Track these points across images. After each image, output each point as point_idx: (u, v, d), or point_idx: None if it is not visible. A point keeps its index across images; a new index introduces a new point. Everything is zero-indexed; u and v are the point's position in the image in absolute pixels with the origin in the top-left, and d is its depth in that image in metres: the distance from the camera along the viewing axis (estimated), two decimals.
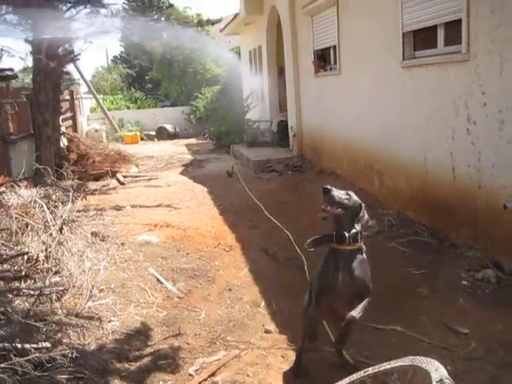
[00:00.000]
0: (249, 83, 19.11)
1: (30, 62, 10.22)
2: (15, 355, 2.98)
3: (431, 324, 4.34)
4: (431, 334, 4.17)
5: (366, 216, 3.52)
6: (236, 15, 17.45)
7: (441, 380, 1.84)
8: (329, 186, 3.37)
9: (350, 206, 3.40)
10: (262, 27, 16.02)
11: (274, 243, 6.79)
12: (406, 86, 6.98)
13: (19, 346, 3.03)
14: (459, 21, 5.59)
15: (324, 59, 10.90)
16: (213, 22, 15.57)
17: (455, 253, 5.66)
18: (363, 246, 3.47)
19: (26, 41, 9.96)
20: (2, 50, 9.26)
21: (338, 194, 3.40)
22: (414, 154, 6.82)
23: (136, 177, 12.75)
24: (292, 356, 4.02)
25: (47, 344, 3.30)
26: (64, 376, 3.05)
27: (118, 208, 8.82)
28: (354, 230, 3.38)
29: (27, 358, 2.97)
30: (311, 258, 5.99)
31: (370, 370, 2.38)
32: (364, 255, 3.46)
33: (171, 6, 14.21)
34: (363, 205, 3.48)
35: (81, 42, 11.93)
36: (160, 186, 11.14)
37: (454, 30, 5.80)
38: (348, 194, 3.44)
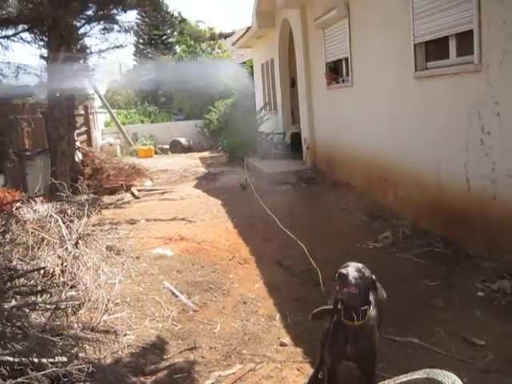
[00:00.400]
0: (261, 96, 19.18)
1: (45, 79, 10.32)
2: (32, 369, 3.00)
3: (447, 336, 4.31)
4: (447, 346, 4.14)
5: (380, 291, 3.37)
6: (248, 28, 17.55)
7: None
8: (344, 271, 3.14)
9: (363, 283, 3.20)
10: (274, 40, 16.10)
11: (288, 256, 6.78)
12: (419, 97, 6.98)
13: (36, 360, 3.05)
14: (471, 31, 5.60)
15: (336, 71, 10.93)
16: (225, 36, 15.68)
17: (470, 263, 5.62)
18: (372, 314, 3.28)
19: (41, 57, 10.09)
20: (18, 67, 9.38)
21: (353, 275, 3.17)
22: (428, 164, 6.80)
23: (150, 190, 12.82)
24: (308, 369, 4.00)
25: (63, 358, 3.32)
26: None
27: (132, 222, 8.87)
28: (364, 307, 3.20)
29: (44, 372, 2.99)
30: (326, 271, 5.98)
31: (386, 383, 2.38)
32: (372, 322, 3.27)
33: (184, 20, 14.30)
34: (374, 278, 3.30)
35: (95, 58, 12.06)
36: (174, 200, 11.19)
37: (465, 40, 5.80)
38: (361, 271, 3.22)
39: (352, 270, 3.18)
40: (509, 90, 5.15)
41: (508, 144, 5.21)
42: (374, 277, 3.28)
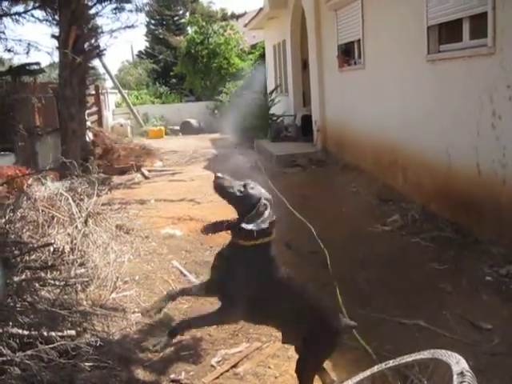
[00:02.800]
0: (273, 78, 19.10)
1: (56, 58, 10.33)
2: (41, 343, 3.04)
3: (454, 319, 4.32)
4: (454, 329, 4.16)
5: (263, 214, 3.05)
6: (260, 10, 17.43)
7: (461, 373, 1.85)
8: (220, 175, 3.06)
9: (237, 198, 3.07)
10: (286, 21, 15.99)
11: (296, 237, 6.79)
12: (431, 80, 6.93)
13: (45, 333, 3.09)
14: (485, 14, 5.53)
15: (348, 54, 10.86)
16: (237, 16, 15.58)
17: (479, 248, 5.61)
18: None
19: (53, 36, 10.08)
20: (29, 44, 9.38)
21: (229, 184, 3.05)
22: (438, 148, 6.77)
23: (160, 171, 12.85)
24: None
25: (72, 332, 3.36)
26: (88, 364, 3.11)
27: (142, 202, 8.91)
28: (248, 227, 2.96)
29: (52, 345, 3.03)
30: (335, 252, 6.01)
31: (391, 363, 2.39)
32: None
33: (196, 0, 14.22)
34: (263, 202, 3.06)
35: (106, 37, 12.04)
36: (184, 181, 11.22)
37: (479, 23, 5.74)
38: (244, 186, 3.07)
39: (234, 181, 3.10)
40: None
41: None
42: (264, 201, 3.05)
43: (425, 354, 2.20)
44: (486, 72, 5.66)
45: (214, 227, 3.34)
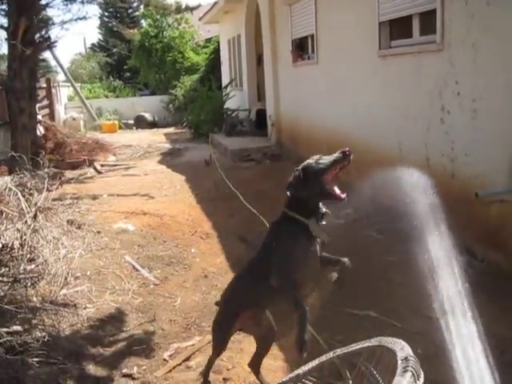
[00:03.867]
0: (228, 72, 19.07)
1: (5, 49, 10.09)
2: None
3: (405, 310, 4.40)
4: (404, 320, 4.23)
5: None
6: (215, 3, 17.37)
7: (406, 358, 1.89)
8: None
9: None
10: (241, 16, 15.98)
11: (250, 231, 6.80)
12: (382, 75, 7.04)
13: None
14: (434, 10, 5.64)
15: (302, 48, 10.92)
16: (191, 9, 15.48)
17: None
18: None
19: (1, 27, 9.83)
20: None
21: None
22: (390, 143, 6.88)
23: (114, 166, 12.70)
24: None
25: (19, 328, 3.30)
26: (37, 359, 3.05)
27: (94, 197, 8.79)
28: None
29: None
30: None
31: (339, 351, 2.43)
32: None
33: None
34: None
35: (57, 29, 11.80)
36: (138, 175, 11.13)
37: (429, 19, 5.86)
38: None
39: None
40: (469, 69, 5.22)
41: (466, 123, 5.30)
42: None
43: (372, 342, 2.24)
44: (436, 68, 5.78)
45: None
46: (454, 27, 5.38)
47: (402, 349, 1.94)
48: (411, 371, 1.79)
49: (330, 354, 2.46)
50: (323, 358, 2.46)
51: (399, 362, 1.87)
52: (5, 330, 3.10)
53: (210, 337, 4.13)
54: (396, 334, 3.86)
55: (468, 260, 5.07)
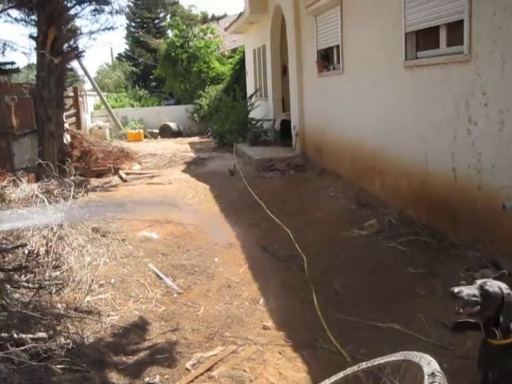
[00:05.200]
0: (253, 82, 19.12)
1: (34, 59, 10.24)
2: (12, 345, 3.00)
3: (429, 323, 4.35)
4: (428, 333, 4.18)
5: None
6: (241, 14, 17.46)
7: (432, 373, 1.86)
8: (456, 289, 2.78)
9: (486, 304, 2.78)
10: (266, 26, 16.03)
11: (274, 241, 6.81)
12: (408, 86, 6.99)
13: (16, 335, 3.05)
14: (461, 21, 5.60)
15: (327, 59, 10.90)
16: (217, 19, 15.59)
17: (455, 253, 5.66)
18: None
19: (31, 36, 9.99)
20: (5, 44, 9.28)
21: (469, 292, 2.78)
22: (416, 154, 6.82)
23: (138, 174, 12.78)
24: (289, 352, 4.04)
25: (43, 334, 3.32)
26: (60, 366, 3.07)
27: (119, 205, 8.85)
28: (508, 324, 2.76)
29: (23, 347, 2.99)
30: (311, 256, 6.03)
31: (364, 365, 2.40)
32: None
33: (176, 3, 14.22)
34: (506, 293, 2.80)
35: (85, 39, 11.96)
36: (162, 184, 11.18)
37: (456, 30, 5.81)
38: (482, 289, 2.80)
39: (469, 288, 2.81)
40: (497, 80, 5.17)
41: (494, 134, 5.24)
42: (506, 291, 2.80)
43: (397, 356, 2.21)
44: (463, 79, 5.73)
45: (462, 326, 3.13)
46: (482, 38, 5.32)
47: (429, 364, 1.91)
48: None
49: (354, 368, 2.43)
50: (347, 371, 2.43)
51: (426, 377, 1.84)
52: (30, 336, 3.13)
53: (232, 347, 4.13)
54: (420, 348, 3.83)
55: (495, 274, 5.00)
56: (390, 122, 7.64)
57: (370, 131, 8.40)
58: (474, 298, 2.75)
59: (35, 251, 5.14)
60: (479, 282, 2.84)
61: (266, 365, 3.86)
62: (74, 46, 11.54)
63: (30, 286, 4.24)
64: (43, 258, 5.10)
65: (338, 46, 9.99)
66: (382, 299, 4.87)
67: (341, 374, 2.50)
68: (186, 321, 4.63)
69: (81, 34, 11.82)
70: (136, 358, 3.93)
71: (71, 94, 16.71)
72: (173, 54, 25.51)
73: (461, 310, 2.77)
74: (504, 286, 2.83)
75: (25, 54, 10.13)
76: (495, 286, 2.81)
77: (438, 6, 6.07)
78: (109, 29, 12.10)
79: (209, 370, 3.79)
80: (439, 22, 6.15)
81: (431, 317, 4.43)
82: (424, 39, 6.73)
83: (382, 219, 7.07)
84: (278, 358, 3.98)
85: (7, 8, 9.90)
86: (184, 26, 25.04)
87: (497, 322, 2.75)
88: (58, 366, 3.05)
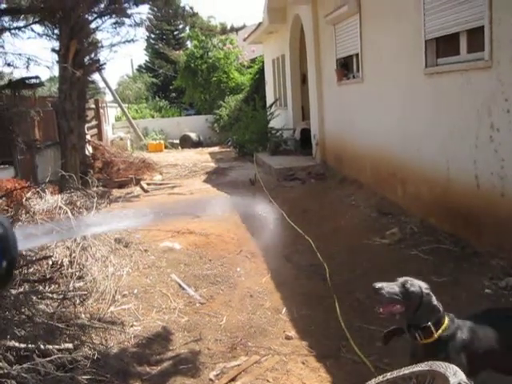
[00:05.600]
0: (272, 91, 19.17)
1: (56, 72, 10.40)
2: (38, 356, 3.03)
3: None
4: None
5: (431, 304, 2.89)
6: (259, 24, 17.53)
7: None
8: (378, 285, 2.83)
9: (407, 301, 2.84)
10: (285, 36, 16.08)
11: (296, 250, 6.80)
12: (429, 93, 6.96)
13: (42, 346, 3.09)
14: (482, 28, 5.57)
15: (347, 67, 10.90)
16: (236, 30, 15.66)
17: (478, 261, 5.61)
18: (447, 332, 2.86)
19: (53, 50, 10.14)
20: (29, 59, 9.43)
21: (390, 290, 2.83)
22: (437, 161, 6.79)
23: (160, 184, 12.86)
24: (312, 362, 4.02)
25: (69, 345, 3.35)
26: (85, 377, 3.10)
27: (141, 215, 8.90)
28: (426, 324, 2.82)
29: (49, 358, 3.02)
30: (333, 265, 6.01)
31: (389, 375, 2.38)
32: (448, 341, 2.83)
33: (195, 14, 14.32)
34: (425, 293, 2.87)
35: (106, 52, 12.13)
36: (183, 194, 11.23)
37: (476, 37, 5.78)
38: (403, 287, 2.86)
39: (390, 285, 2.86)
40: None
41: None
42: (425, 292, 2.86)
43: (422, 366, 2.19)
44: (484, 85, 5.69)
45: (390, 336, 3.12)
46: (503, 44, 5.29)
47: (455, 374, 1.89)
48: None
49: (379, 378, 2.41)
50: (372, 382, 2.42)
51: None
52: (56, 347, 3.16)
53: (256, 357, 4.13)
54: None
55: None
56: (411, 130, 7.61)
57: (391, 139, 8.36)
58: (395, 296, 2.81)
59: (59, 262, 5.19)
60: (401, 280, 2.90)
61: (289, 375, 3.85)
62: (95, 58, 11.70)
63: (55, 296, 4.28)
64: (67, 269, 5.14)
65: (357, 55, 9.99)
66: None
67: None
68: (208, 331, 4.64)
69: (102, 46, 12.02)
70: (160, 368, 3.94)
71: (93, 105, 16.90)
72: (192, 64, 25.69)
73: (381, 310, 2.84)
74: (424, 285, 2.90)
75: (48, 67, 10.29)
76: (416, 285, 2.88)
77: (458, 12, 6.04)
78: (129, 41, 12.28)
79: (232, 380, 3.79)
80: (459, 29, 6.12)
81: None
82: (444, 46, 6.71)
83: (403, 227, 7.03)
84: (302, 368, 3.97)
85: (31, 23, 10.06)
86: (203, 37, 25.21)
87: (417, 323, 2.83)
88: (83, 377, 3.08)
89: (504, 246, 5.47)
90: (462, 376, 1.90)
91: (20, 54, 9.44)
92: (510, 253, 5.37)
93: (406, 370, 2.29)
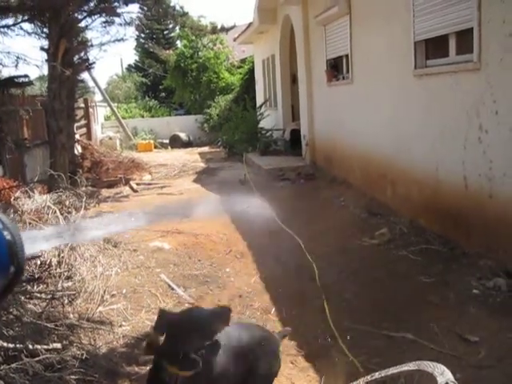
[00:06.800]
0: (262, 92, 19.18)
1: (45, 70, 10.34)
2: (26, 356, 3.02)
3: (441, 332, 4.32)
4: (441, 342, 4.16)
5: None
6: (250, 24, 17.54)
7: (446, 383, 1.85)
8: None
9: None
10: (275, 36, 16.09)
11: (285, 251, 6.79)
12: (418, 94, 6.99)
13: (30, 346, 3.07)
14: (471, 29, 5.60)
15: (337, 68, 10.93)
16: (226, 30, 15.65)
17: (466, 261, 5.64)
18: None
19: (42, 49, 10.09)
20: (18, 57, 9.37)
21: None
22: (426, 162, 6.82)
23: (149, 184, 12.83)
24: (301, 362, 4.03)
25: (58, 345, 3.34)
26: (74, 377, 3.08)
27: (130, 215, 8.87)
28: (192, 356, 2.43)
29: (38, 358, 3.01)
30: (322, 265, 6.02)
31: (377, 375, 2.40)
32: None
33: (185, 14, 14.30)
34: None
35: (96, 51, 12.08)
36: (173, 194, 11.21)
37: (465, 38, 5.81)
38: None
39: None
40: (507, 88, 5.16)
41: (505, 142, 5.22)
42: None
43: (410, 366, 2.21)
44: (473, 87, 5.72)
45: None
46: (492, 46, 5.32)
47: (443, 374, 1.90)
48: None
49: (368, 378, 2.42)
50: (360, 381, 2.43)
51: None
52: (44, 347, 3.15)
53: None
54: (433, 357, 3.81)
55: (507, 282, 4.98)
56: (401, 131, 7.64)
57: (381, 140, 8.40)
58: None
59: (47, 262, 5.16)
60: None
61: (278, 375, 3.85)
62: (84, 57, 11.65)
63: (43, 296, 4.26)
64: (55, 269, 5.12)
65: (347, 56, 10.02)
66: (394, 308, 4.86)
67: None
68: None
69: (91, 45, 11.95)
70: (148, 368, 3.93)
71: (82, 105, 16.82)
72: (182, 64, 25.64)
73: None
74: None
75: (37, 66, 10.24)
76: None
77: (447, 14, 6.07)
78: (119, 40, 12.23)
79: None
80: (448, 31, 6.15)
81: (444, 326, 4.40)
82: (433, 48, 6.74)
83: (393, 228, 7.05)
84: (291, 368, 3.98)
85: (20, 22, 10.00)
86: (193, 37, 25.18)
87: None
88: (71, 377, 3.06)
89: (492, 247, 5.51)
90: (449, 375, 1.92)
91: (9, 53, 9.38)
92: (497, 253, 5.41)
93: (394, 370, 2.30)
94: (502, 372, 3.67)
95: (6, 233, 0.57)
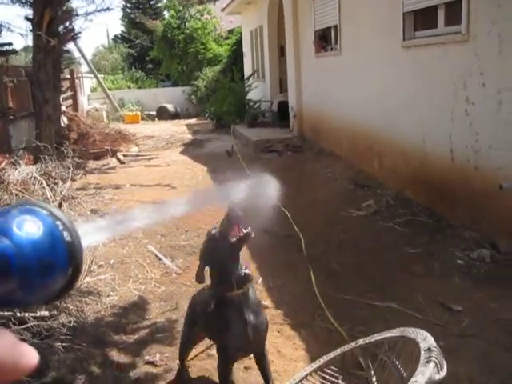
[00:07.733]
0: (250, 63, 19.05)
1: (30, 41, 10.19)
2: (14, 323, 3.03)
3: (426, 301, 4.38)
4: (425, 311, 4.22)
5: None
6: None
7: (429, 349, 1.89)
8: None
9: None
10: (263, 7, 15.93)
11: (272, 222, 6.81)
12: (406, 66, 6.98)
13: (18, 314, 3.09)
14: (460, 1, 5.57)
15: (325, 39, 10.86)
16: (214, 0, 15.47)
17: (452, 233, 5.70)
18: None
19: (26, 18, 9.93)
20: (1, 25, 9.22)
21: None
22: (414, 134, 6.84)
23: (136, 156, 12.79)
24: (287, 331, 4.08)
25: (45, 313, 3.35)
26: (62, 344, 3.11)
27: (117, 187, 8.87)
28: None
29: (25, 326, 3.02)
30: (309, 236, 6.06)
31: (361, 342, 2.44)
32: None
33: None
34: None
35: (81, 21, 11.90)
36: (160, 166, 11.19)
37: (454, 10, 5.79)
38: None
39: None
40: (495, 60, 5.16)
41: (491, 115, 5.24)
42: None
43: (394, 333, 2.25)
44: (461, 59, 5.72)
45: None
46: (480, 18, 5.31)
47: (425, 339, 1.94)
48: (434, 361, 1.79)
49: (352, 345, 2.46)
50: (345, 348, 2.47)
51: (422, 352, 1.87)
52: (32, 314, 3.16)
53: None
54: (417, 326, 3.85)
55: (491, 254, 5.04)
56: (389, 103, 7.64)
57: (369, 112, 8.39)
58: None
59: None
60: None
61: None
62: (70, 27, 11.47)
63: None
64: None
65: (335, 27, 9.95)
66: (379, 278, 4.91)
67: (338, 351, 2.53)
68: (185, 300, 4.64)
69: (77, 15, 11.77)
70: (136, 336, 3.97)
71: (68, 76, 16.64)
72: (169, 35, 25.35)
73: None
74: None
75: (22, 35, 10.09)
76: None
77: None
78: (105, 10, 12.06)
79: (208, 348, 3.82)
80: (437, 2, 6.13)
81: (428, 296, 4.46)
82: (422, 19, 6.71)
83: (379, 200, 7.10)
84: (277, 336, 4.02)
85: None
86: (180, 7, 24.86)
87: None
88: (59, 344, 3.09)
89: (477, 219, 5.56)
90: (431, 341, 1.95)
91: None
92: (482, 225, 5.47)
93: (378, 336, 2.34)
94: (484, 340, 3.74)
95: (65, 234, 0.58)
